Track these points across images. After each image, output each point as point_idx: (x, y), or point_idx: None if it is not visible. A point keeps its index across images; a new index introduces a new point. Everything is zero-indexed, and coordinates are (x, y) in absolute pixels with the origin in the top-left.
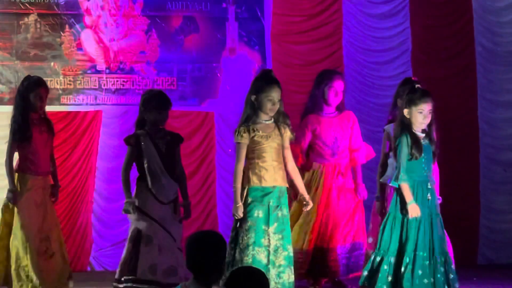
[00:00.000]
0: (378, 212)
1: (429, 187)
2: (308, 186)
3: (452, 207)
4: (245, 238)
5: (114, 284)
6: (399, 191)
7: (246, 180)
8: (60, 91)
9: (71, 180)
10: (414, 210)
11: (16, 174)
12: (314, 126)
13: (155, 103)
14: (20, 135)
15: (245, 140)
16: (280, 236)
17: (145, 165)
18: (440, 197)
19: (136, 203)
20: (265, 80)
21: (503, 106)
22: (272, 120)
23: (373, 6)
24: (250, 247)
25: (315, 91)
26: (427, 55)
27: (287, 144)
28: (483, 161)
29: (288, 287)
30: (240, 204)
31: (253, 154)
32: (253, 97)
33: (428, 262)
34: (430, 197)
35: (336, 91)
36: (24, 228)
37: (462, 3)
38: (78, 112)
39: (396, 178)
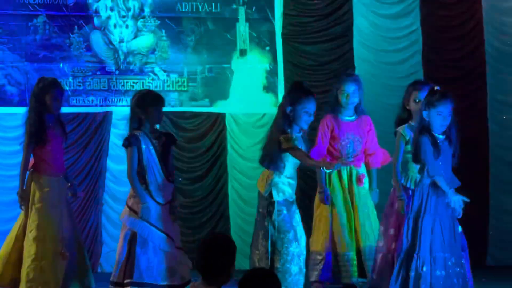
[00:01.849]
0: (401, 211)
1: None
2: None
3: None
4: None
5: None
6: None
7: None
8: (70, 93)
9: (82, 182)
10: (457, 197)
11: (32, 175)
12: (333, 127)
13: (150, 101)
14: (37, 137)
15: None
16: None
17: (145, 166)
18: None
19: (132, 205)
20: (302, 92)
21: None
22: (301, 133)
23: (384, 7)
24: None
25: (331, 95)
26: (437, 55)
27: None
28: (492, 161)
29: None
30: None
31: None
32: (289, 109)
33: (450, 263)
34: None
35: (347, 93)
36: (40, 229)
37: (472, 3)
38: (88, 113)
39: (433, 171)
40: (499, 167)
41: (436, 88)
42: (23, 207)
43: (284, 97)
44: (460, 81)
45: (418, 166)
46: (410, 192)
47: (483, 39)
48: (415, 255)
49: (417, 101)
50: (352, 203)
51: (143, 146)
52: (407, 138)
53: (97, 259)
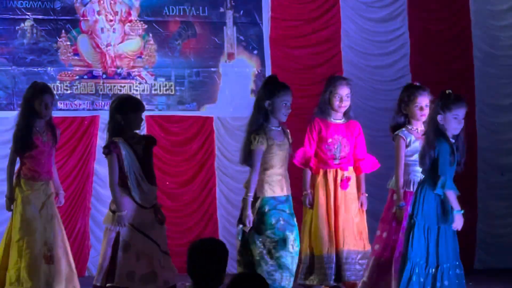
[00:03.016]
0: (400, 219)
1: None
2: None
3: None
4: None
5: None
6: (441, 199)
7: (258, 189)
8: (57, 97)
9: (69, 186)
10: (460, 221)
11: (16, 180)
12: (320, 129)
13: (130, 106)
14: (23, 143)
15: (263, 147)
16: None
17: (127, 172)
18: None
19: (115, 209)
20: (279, 85)
21: (502, 110)
22: (280, 127)
23: (372, 10)
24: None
25: (322, 97)
26: (425, 59)
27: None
28: (480, 165)
29: None
30: (250, 214)
31: (266, 164)
32: (267, 103)
33: (452, 272)
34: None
35: (341, 97)
36: (21, 230)
37: (460, 7)
38: (75, 117)
39: (442, 186)
40: (487, 171)
41: (448, 91)
42: (7, 209)
43: (259, 92)
44: (448, 84)
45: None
46: (408, 196)
47: (471, 43)
48: (429, 265)
49: (418, 106)
50: (335, 206)
51: (123, 152)
52: (407, 142)
53: (85, 263)
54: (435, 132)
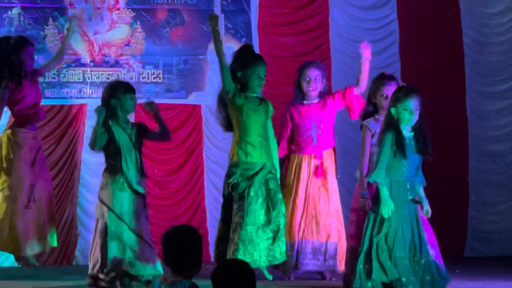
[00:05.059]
0: (363, 209)
1: (408, 187)
2: (286, 177)
3: (441, 199)
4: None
5: (93, 276)
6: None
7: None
8: (44, 85)
9: (57, 174)
10: (388, 208)
11: (7, 132)
12: (292, 114)
13: (122, 90)
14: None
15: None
16: None
17: (121, 157)
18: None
19: (103, 197)
20: (251, 56)
21: (492, 97)
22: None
23: None
24: None
25: (295, 84)
26: (415, 46)
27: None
28: (472, 152)
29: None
30: None
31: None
32: (239, 74)
33: (408, 263)
34: (410, 198)
35: (309, 78)
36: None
37: None
38: (63, 105)
39: (374, 175)
40: (478, 158)
41: (402, 84)
42: None
43: (232, 63)
44: (438, 72)
45: None
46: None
47: (461, 30)
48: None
49: (383, 95)
50: (308, 195)
51: (117, 138)
52: (373, 132)
53: (72, 252)
54: (386, 124)
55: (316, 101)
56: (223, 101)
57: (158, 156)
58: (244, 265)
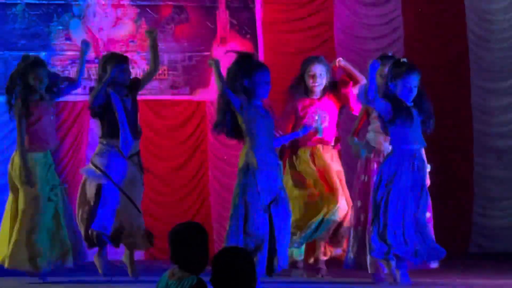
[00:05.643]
0: (355, 155)
1: (417, 156)
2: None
3: (446, 195)
4: None
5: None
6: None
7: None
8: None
9: (62, 171)
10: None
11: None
12: (296, 109)
13: (117, 60)
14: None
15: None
16: None
17: (119, 123)
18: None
19: (99, 162)
20: (255, 64)
21: (496, 93)
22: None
23: None
24: None
25: (296, 80)
26: (419, 42)
27: None
28: (476, 148)
29: None
30: None
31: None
32: (246, 82)
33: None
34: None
35: (314, 74)
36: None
37: None
38: (67, 102)
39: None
40: (483, 154)
41: (402, 60)
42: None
43: (236, 72)
44: (443, 68)
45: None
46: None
47: (465, 26)
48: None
49: (382, 75)
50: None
51: (114, 103)
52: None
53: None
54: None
55: (320, 96)
56: (230, 109)
57: (163, 152)
58: (243, 252)
